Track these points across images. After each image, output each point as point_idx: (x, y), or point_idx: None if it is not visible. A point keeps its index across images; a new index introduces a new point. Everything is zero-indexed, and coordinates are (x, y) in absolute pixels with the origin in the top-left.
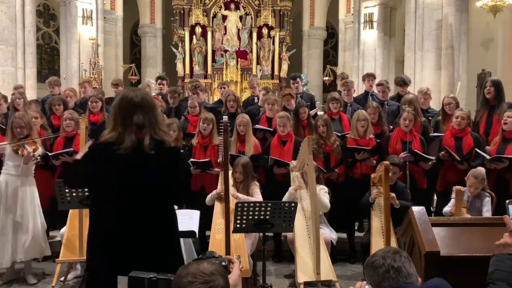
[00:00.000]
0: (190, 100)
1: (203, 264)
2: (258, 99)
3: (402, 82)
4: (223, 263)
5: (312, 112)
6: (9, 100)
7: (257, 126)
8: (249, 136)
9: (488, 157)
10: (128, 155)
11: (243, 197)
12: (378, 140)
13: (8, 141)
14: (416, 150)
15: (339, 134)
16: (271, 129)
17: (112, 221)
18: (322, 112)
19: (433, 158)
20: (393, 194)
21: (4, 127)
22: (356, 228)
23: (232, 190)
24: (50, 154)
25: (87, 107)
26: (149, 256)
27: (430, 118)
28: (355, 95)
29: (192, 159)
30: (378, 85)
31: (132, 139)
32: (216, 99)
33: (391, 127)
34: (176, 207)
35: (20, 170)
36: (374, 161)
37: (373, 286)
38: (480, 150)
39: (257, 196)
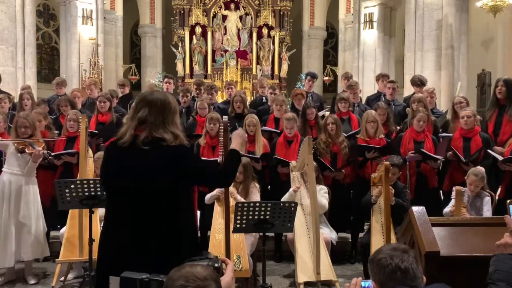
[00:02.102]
0: (199, 101)
1: (196, 267)
2: (266, 99)
3: (420, 82)
4: (216, 265)
5: (321, 113)
6: (14, 100)
7: (264, 128)
8: (258, 136)
9: (500, 158)
10: (126, 148)
11: (240, 198)
12: (389, 140)
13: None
14: (423, 150)
15: (346, 135)
16: (278, 131)
17: (112, 217)
18: (328, 113)
19: (441, 157)
20: (392, 190)
21: (10, 125)
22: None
23: (231, 189)
24: (52, 153)
25: (95, 107)
26: (142, 255)
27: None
28: (360, 95)
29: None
30: (390, 82)
31: (131, 133)
32: (217, 99)
33: (398, 127)
34: None
35: (27, 169)
36: (384, 160)
37: (377, 283)
38: (490, 151)
39: (255, 199)
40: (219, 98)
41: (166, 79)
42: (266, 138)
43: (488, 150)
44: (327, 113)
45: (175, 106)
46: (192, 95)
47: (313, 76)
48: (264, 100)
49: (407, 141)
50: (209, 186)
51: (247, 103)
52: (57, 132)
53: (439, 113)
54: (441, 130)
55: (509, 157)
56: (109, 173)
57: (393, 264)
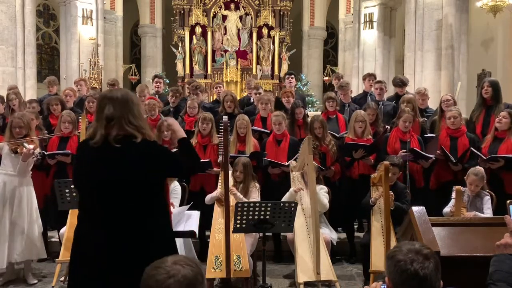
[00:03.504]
0: (189, 100)
1: (167, 257)
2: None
3: (401, 83)
4: None
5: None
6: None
7: (253, 128)
8: (249, 137)
9: (484, 157)
10: (98, 148)
11: (240, 196)
12: (374, 139)
13: (5, 140)
14: (415, 149)
15: (337, 135)
16: (268, 131)
17: (87, 218)
18: (320, 112)
19: (433, 156)
20: (391, 193)
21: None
22: (355, 228)
23: (231, 187)
24: (46, 153)
25: (84, 106)
26: (121, 255)
27: (425, 119)
28: (353, 95)
29: None
30: (377, 82)
31: (101, 132)
32: (210, 98)
33: (387, 127)
34: (176, 205)
35: (18, 169)
36: (372, 160)
37: (390, 281)
38: (474, 149)
39: (254, 198)
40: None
41: (156, 79)
42: (256, 138)
43: (472, 149)
44: (310, 113)
45: (136, 98)
46: (182, 96)
47: (290, 74)
48: (251, 100)
49: (394, 140)
50: (178, 176)
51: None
52: (46, 132)
53: (432, 112)
54: (428, 130)
55: (492, 156)
56: (83, 173)
57: (411, 269)
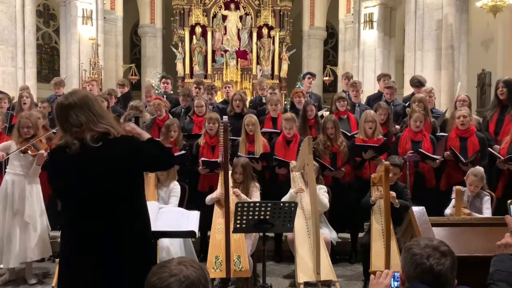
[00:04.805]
0: (196, 99)
1: (174, 258)
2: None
3: (419, 83)
4: None
5: (319, 113)
6: (12, 100)
7: (263, 130)
8: (257, 136)
9: (502, 157)
10: (78, 154)
11: (244, 197)
12: (385, 138)
13: (13, 140)
14: (421, 150)
15: (349, 134)
16: (278, 131)
17: (73, 221)
18: (328, 113)
19: (439, 157)
20: (393, 194)
21: (6, 125)
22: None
23: (236, 189)
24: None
25: None
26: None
27: (435, 120)
28: (361, 95)
29: (202, 158)
30: (387, 87)
31: (75, 141)
32: (216, 99)
33: (397, 127)
34: (176, 204)
35: (31, 171)
36: (383, 160)
37: (404, 273)
38: (491, 150)
39: (255, 198)
40: (219, 98)
41: (163, 79)
42: (267, 138)
43: (490, 149)
44: (326, 113)
45: (93, 95)
46: (192, 96)
47: (312, 75)
48: (264, 100)
49: (405, 141)
50: (160, 165)
51: (247, 103)
52: (54, 131)
53: (438, 113)
54: (439, 129)
55: (511, 156)
56: (68, 181)
57: (427, 264)
